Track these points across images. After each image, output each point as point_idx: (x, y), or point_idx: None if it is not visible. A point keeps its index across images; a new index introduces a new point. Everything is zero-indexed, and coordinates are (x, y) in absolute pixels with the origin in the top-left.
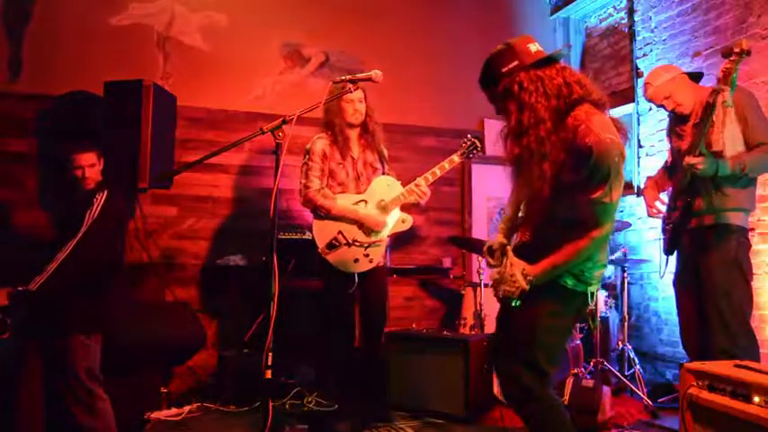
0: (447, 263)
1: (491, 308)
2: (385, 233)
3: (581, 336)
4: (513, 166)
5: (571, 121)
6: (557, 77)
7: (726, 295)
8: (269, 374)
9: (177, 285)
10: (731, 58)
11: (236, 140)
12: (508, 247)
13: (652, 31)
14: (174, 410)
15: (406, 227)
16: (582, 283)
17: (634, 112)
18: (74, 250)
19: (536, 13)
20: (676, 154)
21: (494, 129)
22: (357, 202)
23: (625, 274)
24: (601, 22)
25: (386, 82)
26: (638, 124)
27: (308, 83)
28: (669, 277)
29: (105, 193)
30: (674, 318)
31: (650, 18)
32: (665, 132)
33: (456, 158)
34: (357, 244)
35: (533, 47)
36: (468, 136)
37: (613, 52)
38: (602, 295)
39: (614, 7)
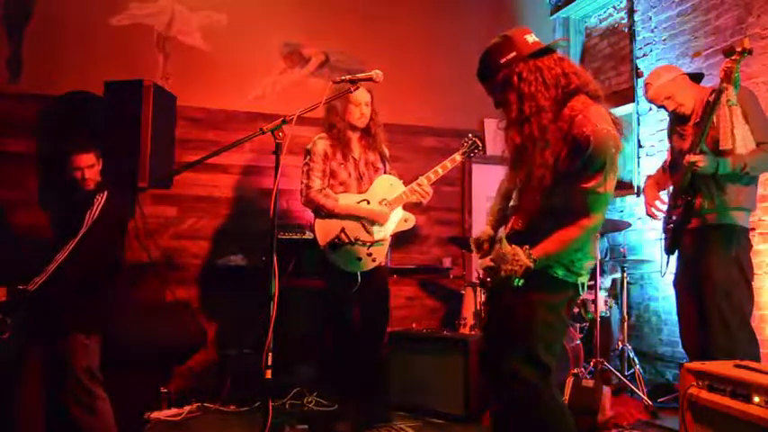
0: (447, 263)
1: None
2: (388, 232)
3: (581, 336)
4: (512, 155)
5: (567, 112)
6: (555, 67)
7: (726, 295)
8: (269, 374)
9: (177, 285)
10: (733, 57)
11: (236, 140)
12: (502, 235)
13: (652, 31)
14: (173, 410)
15: (408, 226)
16: (572, 274)
17: (634, 112)
18: (73, 251)
19: (536, 13)
20: (678, 154)
21: (494, 129)
22: (359, 202)
23: (625, 274)
24: (601, 22)
25: (386, 82)
26: (638, 124)
27: (308, 83)
28: (669, 277)
29: (105, 194)
30: (674, 318)
31: (650, 18)
32: (665, 132)
33: (458, 158)
34: (360, 243)
35: (530, 38)
36: (470, 135)
37: (613, 52)
38: (602, 295)
39: (614, 7)
